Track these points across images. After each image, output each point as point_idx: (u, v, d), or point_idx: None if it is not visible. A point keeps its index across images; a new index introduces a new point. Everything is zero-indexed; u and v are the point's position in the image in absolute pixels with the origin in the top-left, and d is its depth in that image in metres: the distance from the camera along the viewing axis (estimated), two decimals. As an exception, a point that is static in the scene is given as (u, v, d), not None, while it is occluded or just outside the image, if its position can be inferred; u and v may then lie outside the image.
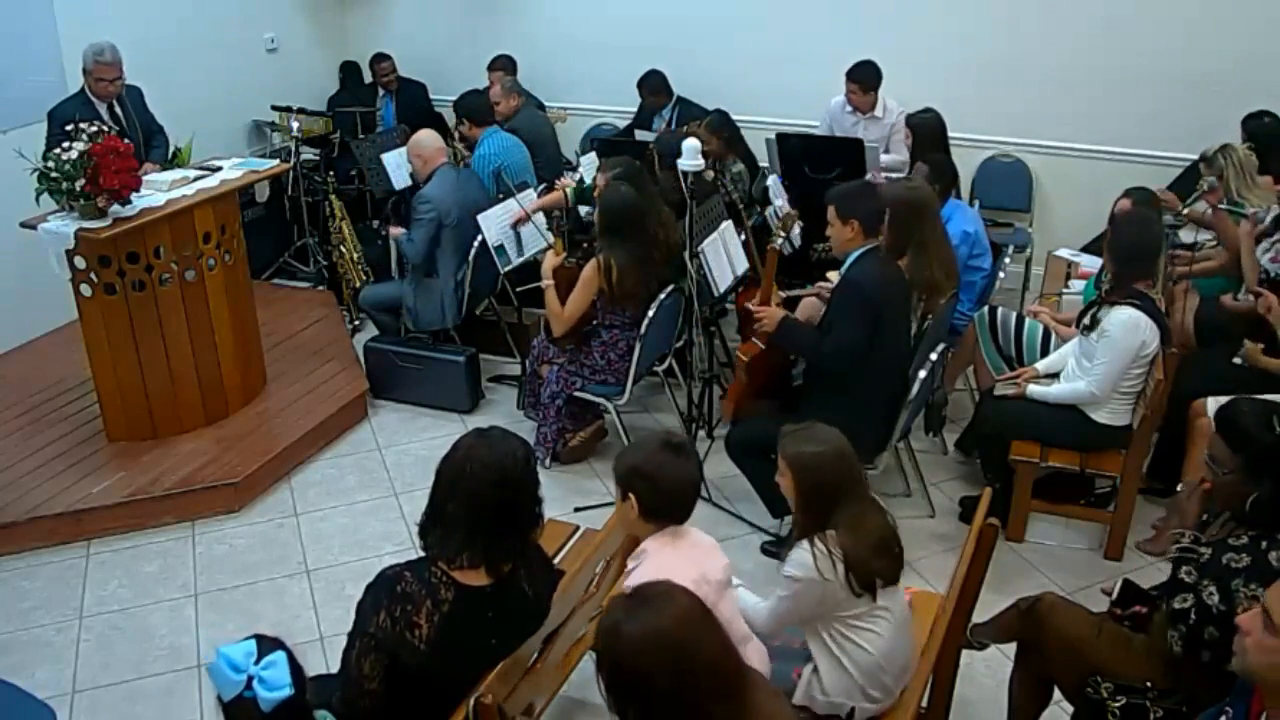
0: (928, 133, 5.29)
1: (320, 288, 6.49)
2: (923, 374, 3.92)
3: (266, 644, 2.05)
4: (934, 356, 3.97)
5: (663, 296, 4.53)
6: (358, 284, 6.05)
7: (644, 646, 1.81)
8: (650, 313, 4.48)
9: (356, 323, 6.11)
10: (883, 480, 4.42)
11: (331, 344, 5.75)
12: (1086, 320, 3.94)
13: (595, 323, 4.64)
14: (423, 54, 7.44)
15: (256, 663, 2.00)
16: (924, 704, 2.76)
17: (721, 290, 4.64)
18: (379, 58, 7.28)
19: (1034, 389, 4.05)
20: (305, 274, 6.66)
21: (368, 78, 7.48)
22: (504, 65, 6.89)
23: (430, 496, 2.42)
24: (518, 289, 5.53)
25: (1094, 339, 3.87)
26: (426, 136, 5.28)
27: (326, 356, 5.59)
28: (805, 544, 2.62)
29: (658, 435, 2.69)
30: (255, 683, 1.98)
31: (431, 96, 7.42)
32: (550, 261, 4.68)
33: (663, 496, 2.57)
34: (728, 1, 6.61)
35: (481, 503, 2.32)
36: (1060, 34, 5.95)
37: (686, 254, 4.50)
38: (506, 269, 5.15)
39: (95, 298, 4.50)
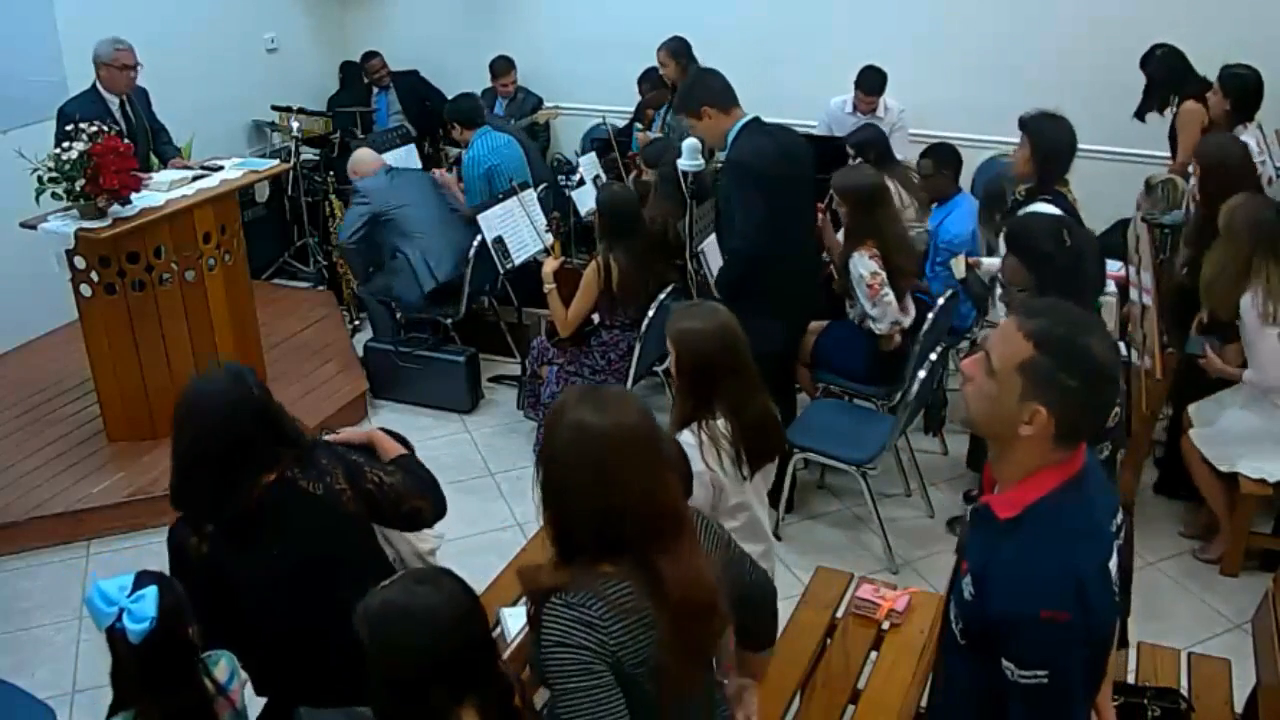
0: (871, 149, 5.18)
1: (320, 288, 6.49)
2: (922, 374, 3.91)
3: (146, 579, 2.12)
4: (933, 356, 3.97)
5: (662, 296, 4.53)
6: (357, 284, 6.05)
7: (573, 439, 1.72)
8: (650, 313, 4.48)
9: (356, 323, 6.11)
10: (883, 480, 4.42)
11: (331, 344, 5.75)
12: (999, 218, 3.82)
13: (597, 322, 4.65)
14: (422, 53, 7.44)
15: (130, 596, 2.07)
16: (923, 704, 2.76)
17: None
18: (368, 55, 7.31)
19: None
20: (305, 274, 6.66)
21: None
22: (504, 68, 6.94)
23: None
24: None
25: None
26: (361, 154, 5.53)
27: (326, 356, 5.59)
28: (688, 433, 2.56)
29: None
30: (125, 615, 2.05)
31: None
32: (550, 265, 4.69)
33: None
34: (728, 1, 6.61)
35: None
36: (1060, 34, 5.95)
37: (687, 254, 4.50)
38: (506, 269, 5.15)
39: (95, 298, 4.50)
